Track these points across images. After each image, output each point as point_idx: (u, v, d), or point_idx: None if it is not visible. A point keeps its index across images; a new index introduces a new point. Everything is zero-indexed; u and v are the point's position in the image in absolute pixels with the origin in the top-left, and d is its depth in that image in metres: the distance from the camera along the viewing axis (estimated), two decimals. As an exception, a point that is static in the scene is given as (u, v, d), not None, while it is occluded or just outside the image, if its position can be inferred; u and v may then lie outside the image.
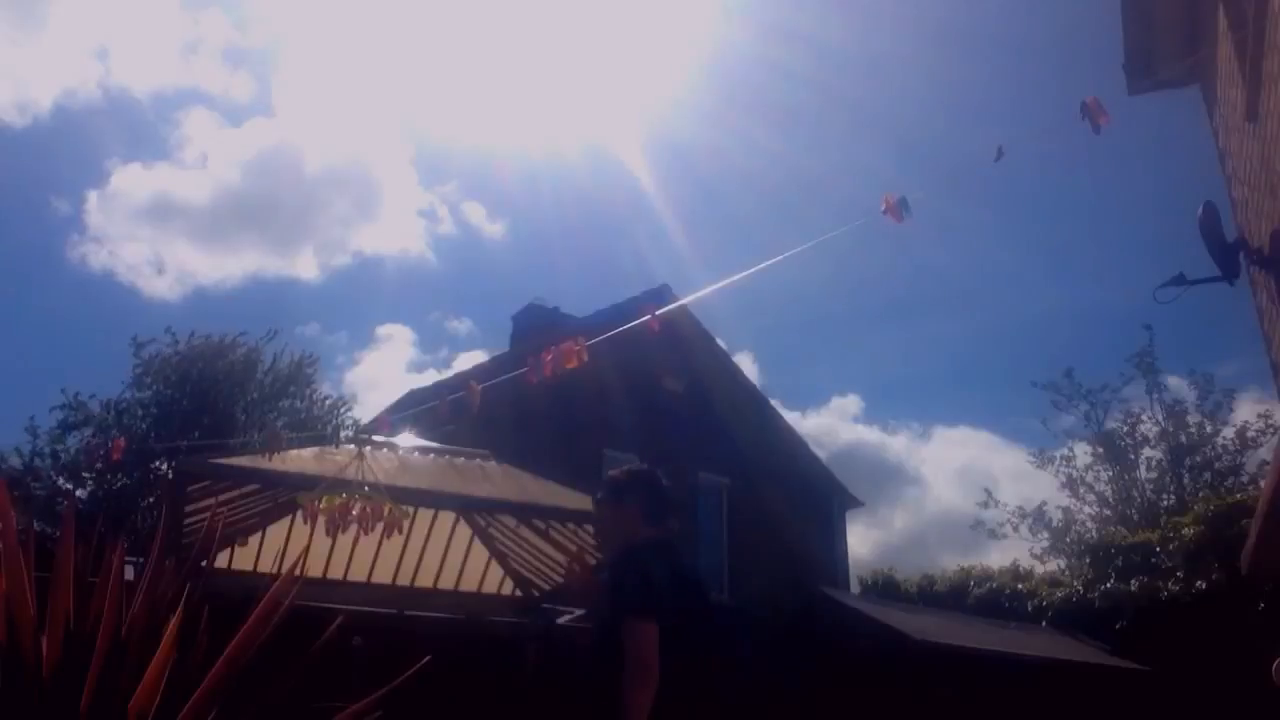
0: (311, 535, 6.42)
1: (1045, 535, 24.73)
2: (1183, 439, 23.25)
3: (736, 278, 4.83)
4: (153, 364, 18.16)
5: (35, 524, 15.59)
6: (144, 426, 17.49)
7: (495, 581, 8.37)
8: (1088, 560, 17.42)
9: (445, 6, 36.77)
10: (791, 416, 21.06)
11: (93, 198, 35.44)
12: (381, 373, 36.63)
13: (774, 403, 17.80)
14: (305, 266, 36.96)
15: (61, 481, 17.35)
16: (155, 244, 34.07)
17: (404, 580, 7.83)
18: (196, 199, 34.88)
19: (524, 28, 37.48)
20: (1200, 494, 19.32)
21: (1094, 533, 22.81)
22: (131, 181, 33.92)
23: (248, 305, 36.42)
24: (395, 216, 37.52)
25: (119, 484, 17.22)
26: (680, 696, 2.59)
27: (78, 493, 17.12)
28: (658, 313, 4.74)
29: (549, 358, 4.50)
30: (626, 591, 2.71)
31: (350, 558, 7.64)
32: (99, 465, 16.45)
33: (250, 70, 38.05)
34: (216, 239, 34.74)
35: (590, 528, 6.82)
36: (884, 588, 18.84)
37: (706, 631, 2.83)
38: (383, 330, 40.53)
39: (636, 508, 2.99)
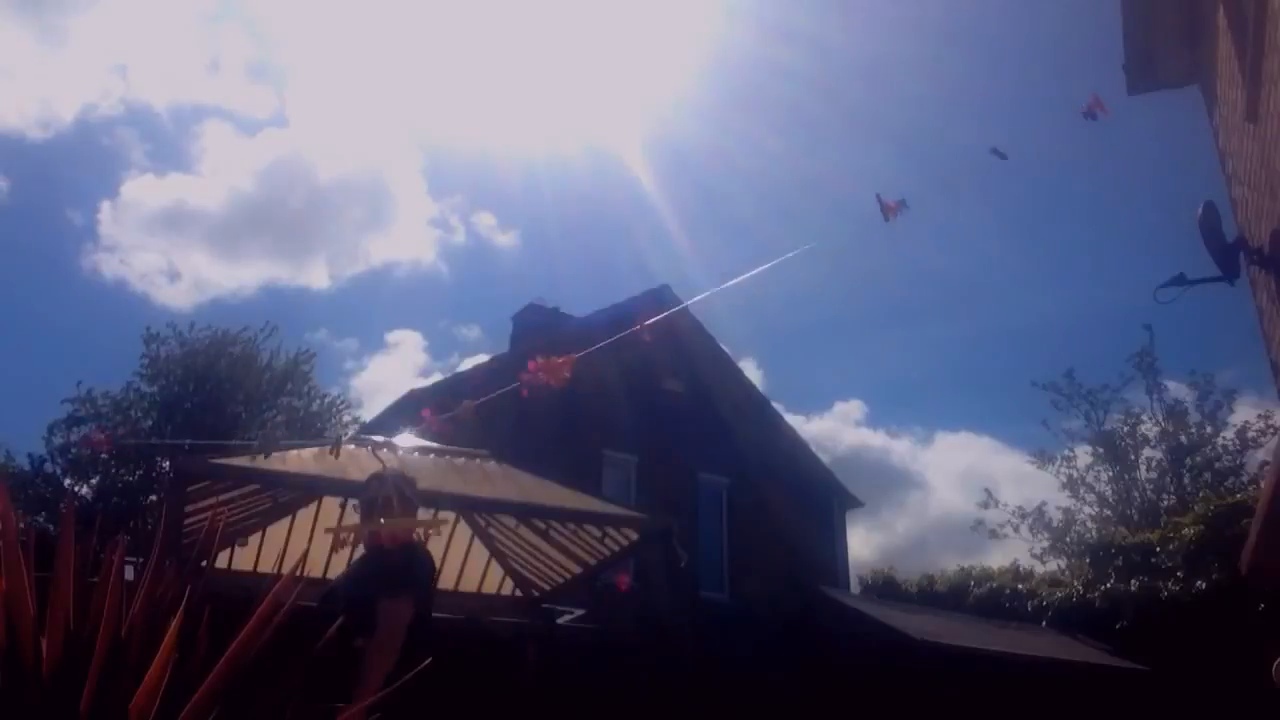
0: (312, 535, 6.42)
1: (1045, 535, 24.75)
2: (1183, 439, 23.25)
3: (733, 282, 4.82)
4: (158, 359, 18.24)
5: (41, 523, 15.63)
6: (149, 423, 17.56)
7: (495, 581, 8.37)
8: (1088, 560, 17.40)
9: (450, 13, 36.84)
10: (795, 421, 21.05)
11: (110, 209, 35.55)
12: (390, 377, 36.69)
13: (776, 406, 17.81)
14: (317, 275, 37.02)
15: (68, 481, 17.42)
16: (171, 253, 34.30)
17: (404, 580, 7.82)
18: (211, 209, 35.03)
19: (525, 29, 37.51)
20: (1200, 494, 19.31)
21: (1094, 533, 22.80)
22: (148, 192, 34.05)
23: (261, 313, 36.53)
24: (407, 226, 37.61)
25: (122, 481, 17.27)
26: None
27: (82, 489, 17.18)
28: (649, 322, 4.71)
29: (535, 369, 4.52)
30: (406, 575, 3.42)
31: (350, 559, 7.63)
32: (105, 454, 16.51)
33: (265, 83, 38.15)
34: (231, 248, 34.87)
35: (591, 527, 6.83)
36: (884, 588, 18.79)
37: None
38: (393, 336, 40.58)
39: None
